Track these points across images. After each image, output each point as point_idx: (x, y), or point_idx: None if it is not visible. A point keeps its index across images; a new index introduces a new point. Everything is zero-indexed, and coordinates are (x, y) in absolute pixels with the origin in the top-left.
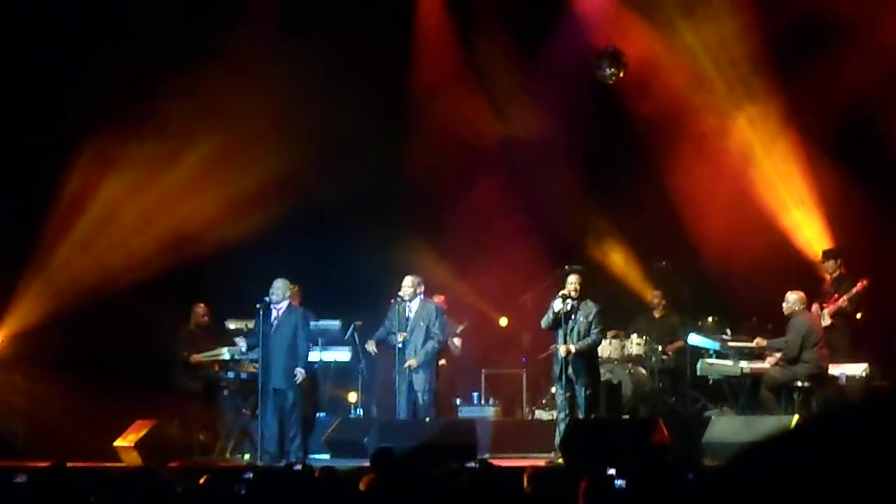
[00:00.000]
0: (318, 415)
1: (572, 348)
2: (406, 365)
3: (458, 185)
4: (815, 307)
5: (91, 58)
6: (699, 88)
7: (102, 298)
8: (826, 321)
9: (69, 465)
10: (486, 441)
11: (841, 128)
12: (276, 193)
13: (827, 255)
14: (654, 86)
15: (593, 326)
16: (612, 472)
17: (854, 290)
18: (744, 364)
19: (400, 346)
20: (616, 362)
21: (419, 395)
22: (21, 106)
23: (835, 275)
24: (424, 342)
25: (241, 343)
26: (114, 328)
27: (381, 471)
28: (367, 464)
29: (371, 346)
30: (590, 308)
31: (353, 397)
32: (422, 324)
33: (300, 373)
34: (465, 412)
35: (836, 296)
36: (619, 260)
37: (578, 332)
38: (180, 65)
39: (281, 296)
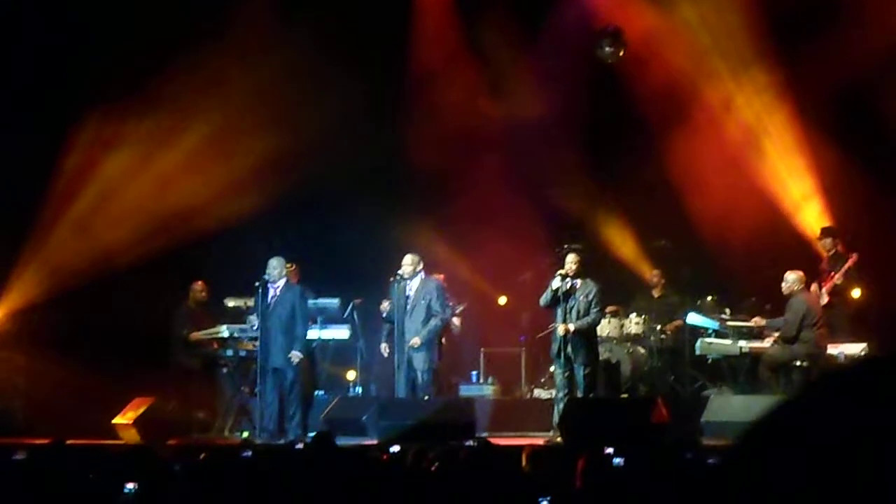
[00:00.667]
0: (316, 393)
1: (571, 327)
2: (410, 344)
3: (457, 164)
4: (813, 287)
5: (90, 36)
6: (699, 67)
7: (101, 276)
8: (824, 300)
9: (68, 442)
10: (484, 420)
11: (841, 105)
12: (275, 171)
13: (824, 232)
14: (654, 64)
15: (593, 305)
16: (610, 450)
17: (845, 266)
18: (743, 343)
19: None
20: (615, 341)
21: (419, 373)
22: (19, 84)
23: (831, 253)
24: (426, 320)
25: (253, 323)
26: (112, 306)
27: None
28: (366, 442)
29: (384, 350)
30: (589, 286)
31: (351, 375)
32: (422, 302)
33: (296, 355)
34: (463, 391)
35: (832, 274)
36: (618, 239)
37: (578, 311)
38: (178, 44)
39: (277, 274)
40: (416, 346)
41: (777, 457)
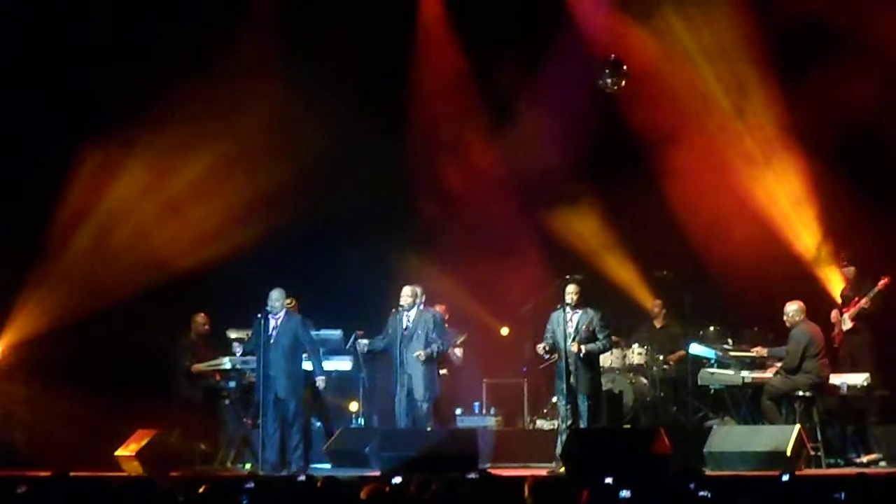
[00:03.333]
0: (316, 424)
1: (583, 348)
2: (415, 355)
3: (458, 196)
4: (834, 313)
5: (96, 66)
6: (701, 96)
7: (103, 308)
8: (847, 325)
9: (71, 474)
10: (487, 451)
11: (842, 135)
12: (277, 203)
13: (848, 259)
14: (655, 93)
15: (599, 332)
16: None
17: (875, 289)
18: (745, 373)
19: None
20: (617, 371)
21: (419, 403)
22: (27, 111)
23: (853, 279)
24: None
25: (237, 349)
26: (115, 338)
27: None
28: (368, 473)
29: (361, 344)
30: (589, 315)
31: (354, 407)
32: (419, 332)
33: (321, 381)
34: (466, 422)
35: (856, 299)
36: (620, 269)
37: (580, 341)
38: (181, 75)
39: (279, 306)
40: (421, 358)
41: None
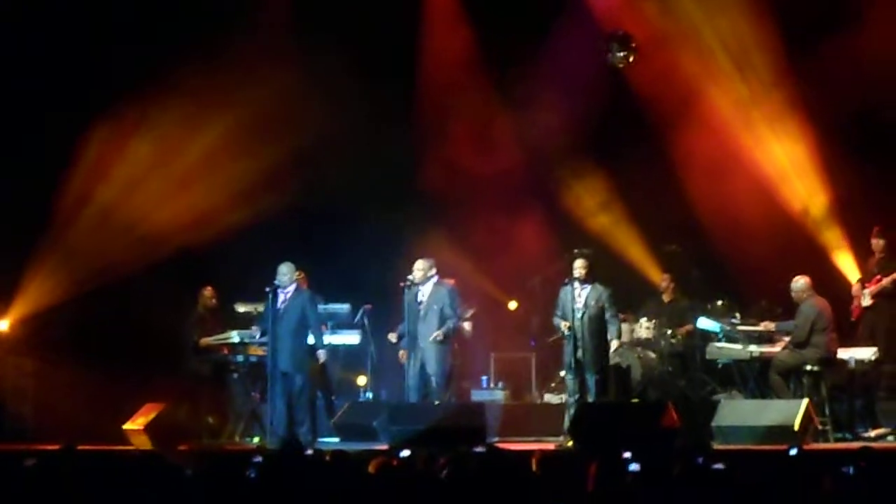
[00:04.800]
0: (331, 399)
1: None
2: (432, 338)
3: (467, 169)
4: (856, 287)
5: (103, 42)
6: (710, 71)
7: (111, 282)
8: (867, 301)
9: (78, 448)
10: (495, 425)
11: (851, 109)
12: (286, 177)
13: (880, 233)
14: (664, 68)
15: (607, 308)
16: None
17: None
18: (753, 348)
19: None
20: (625, 346)
21: (433, 377)
22: (33, 88)
23: (881, 255)
24: (440, 325)
25: (256, 331)
26: (123, 312)
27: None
28: (376, 447)
29: (392, 337)
30: (599, 291)
31: (362, 381)
32: (435, 307)
33: (321, 354)
34: (474, 396)
35: (878, 276)
36: (628, 243)
37: (589, 317)
38: (191, 51)
39: (287, 280)
40: (439, 338)
41: None
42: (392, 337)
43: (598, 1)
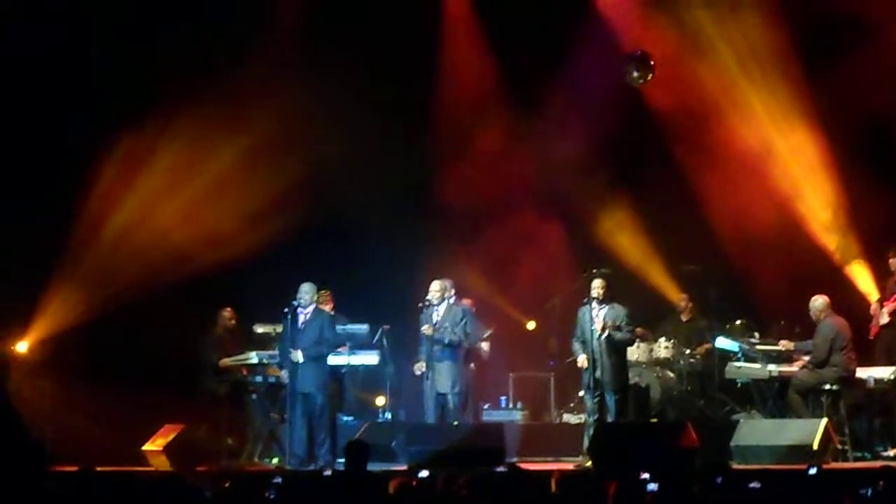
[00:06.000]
0: (345, 419)
1: (608, 331)
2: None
3: (484, 190)
4: (874, 306)
5: (119, 64)
6: (727, 90)
7: (130, 303)
8: (885, 319)
9: (97, 469)
10: (514, 445)
11: (871, 126)
12: (304, 197)
13: None
14: (682, 86)
15: (622, 327)
16: (644, 476)
17: None
18: (772, 367)
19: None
20: (644, 366)
21: (449, 398)
22: (47, 112)
23: None
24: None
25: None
26: (142, 333)
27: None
28: (396, 467)
29: (418, 369)
30: (617, 311)
31: (380, 401)
32: (447, 325)
33: (297, 355)
34: (493, 416)
35: None
36: (647, 263)
37: (608, 337)
38: (206, 72)
39: (308, 300)
40: (445, 341)
41: None
42: (417, 369)
43: (616, 20)
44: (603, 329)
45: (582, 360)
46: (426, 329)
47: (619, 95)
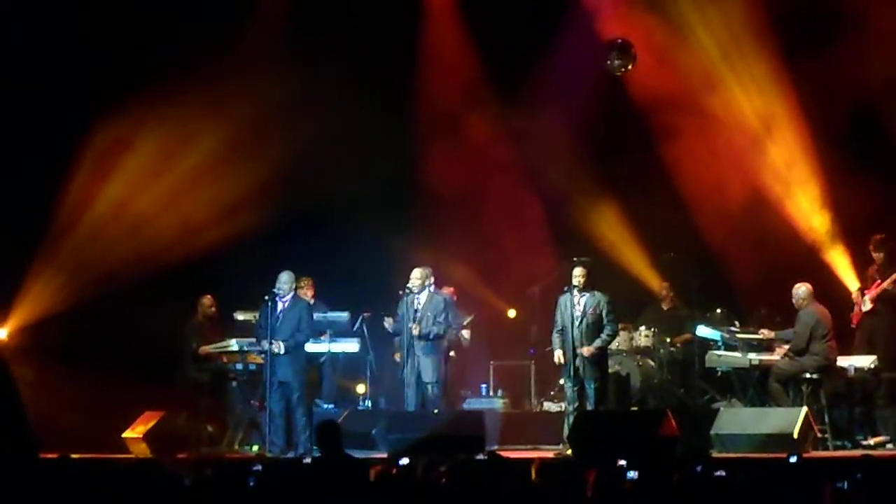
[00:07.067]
0: (326, 406)
1: (592, 349)
2: (419, 333)
3: (465, 178)
4: (856, 293)
5: (100, 53)
6: (708, 78)
7: (110, 290)
8: (867, 306)
9: (76, 456)
10: (494, 433)
11: (848, 115)
12: (284, 185)
13: (880, 242)
14: (662, 76)
15: (605, 315)
16: (621, 463)
17: None
18: (752, 356)
19: (413, 335)
20: (624, 354)
21: (428, 386)
22: (29, 101)
23: (882, 262)
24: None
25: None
26: (121, 320)
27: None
28: (376, 455)
29: (388, 322)
30: (597, 298)
31: (361, 389)
32: (429, 314)
33: (279, 346)
34: (473, 404)
35: (878, 282)
36: (627, 251)
37: (587, 325)
38: (188, 60)
39: (287, 289)
40: (424, 334)
41: None
42: (398, 357)
43: (597, 7)
44: (591, 354)
45: (559, 356)
46: (414, 329)
47: (601, 84)
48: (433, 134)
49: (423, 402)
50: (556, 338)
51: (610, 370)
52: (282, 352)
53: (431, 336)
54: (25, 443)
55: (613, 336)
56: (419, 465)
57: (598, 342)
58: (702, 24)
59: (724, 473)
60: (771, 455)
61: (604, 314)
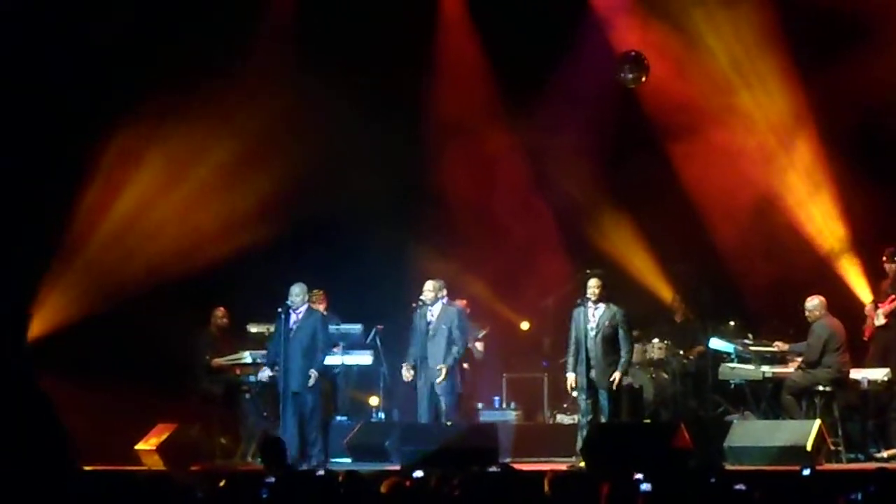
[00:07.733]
0: (338, 418)
1: (616, 380)
2: (438, 381)
3: (478, 189)
4: (869, 307)
5: (114, 65)
6: (721, 91)
7: (123, 303)
8: (880, 321)
9: (89, 468)
10: (507, 445)
11: (861, 126)
12: (297, 197)
13: (893, 255)
14: (675, 88)
15: (621, 328)
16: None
17: None
18: (765, 368)
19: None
20: (638, 366)
21: (441, 398)
22: (49, 107)
23: (895, 274)
24: (448, 346)
25: (265, 373)
26: (135, 332)
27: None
28: (389, 467)
29: (407, 374)
30: (613, 311)
31: (374, 401)
32: (443, 327)
33: (313, 374)
34: (486, 416)
35: (892, 296)
36: (640, 263)
37: (602, 337)
38: (199, 72)
39: (300, 301)
40: (441, 375)
41: None
42: (407, 374)
43: (610, 19)
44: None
45: (571, 380)
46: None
47: (613, 95)
48: (445, 145)
49: (437, 415)
50: (570, 360)
51: (623, 383)
52: (311, 382)
53: (458, 355)
54: (64, 450)
55: (630, 356)
56: (432, 478)
57: (616, 373)
58: (714, 36)
59: (744, 487)
60: (784, 468)
61: (619, 328)
